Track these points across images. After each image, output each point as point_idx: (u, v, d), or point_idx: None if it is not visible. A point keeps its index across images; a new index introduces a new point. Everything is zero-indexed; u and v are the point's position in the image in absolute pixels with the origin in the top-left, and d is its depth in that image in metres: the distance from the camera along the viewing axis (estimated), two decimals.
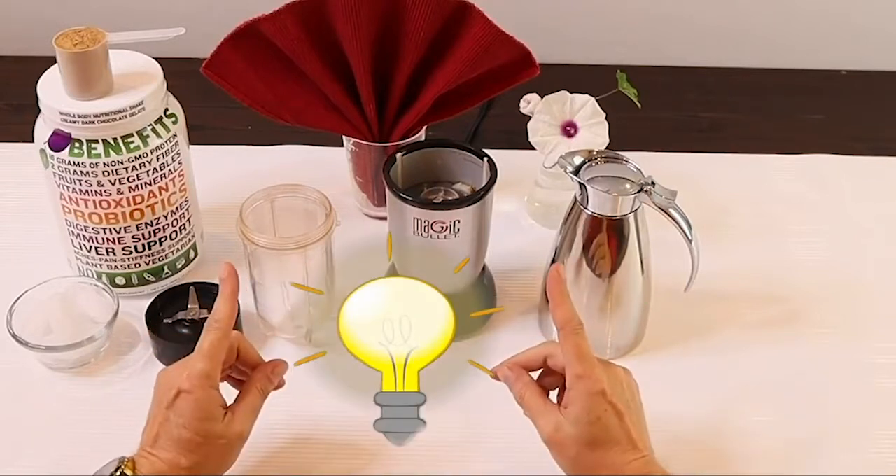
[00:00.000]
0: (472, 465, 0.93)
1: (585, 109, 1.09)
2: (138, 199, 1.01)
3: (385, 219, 1.02)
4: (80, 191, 0.99)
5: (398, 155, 1.00)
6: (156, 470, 0.81)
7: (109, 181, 0.99)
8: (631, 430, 0.82)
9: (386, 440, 0.87)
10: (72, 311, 1.01)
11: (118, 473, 0.81)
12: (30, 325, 1.00)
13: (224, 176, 1.19)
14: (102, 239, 1.03)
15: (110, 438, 0.95)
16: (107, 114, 0.96)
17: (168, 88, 1.01)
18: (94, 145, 0.97)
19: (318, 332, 1.04)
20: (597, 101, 1.09)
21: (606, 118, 1.09)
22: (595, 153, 0.97)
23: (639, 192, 0.94)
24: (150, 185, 1.01)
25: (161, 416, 0.83)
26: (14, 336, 0.98)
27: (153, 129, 0.99)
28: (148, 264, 1.06)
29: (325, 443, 0.96)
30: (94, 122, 0.96)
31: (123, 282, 1.06)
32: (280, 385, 0.90)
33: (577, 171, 0.95)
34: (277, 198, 1.01)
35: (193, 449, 0.82)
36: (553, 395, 0.86)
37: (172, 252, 1.07)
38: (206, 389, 0.83)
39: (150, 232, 1.04)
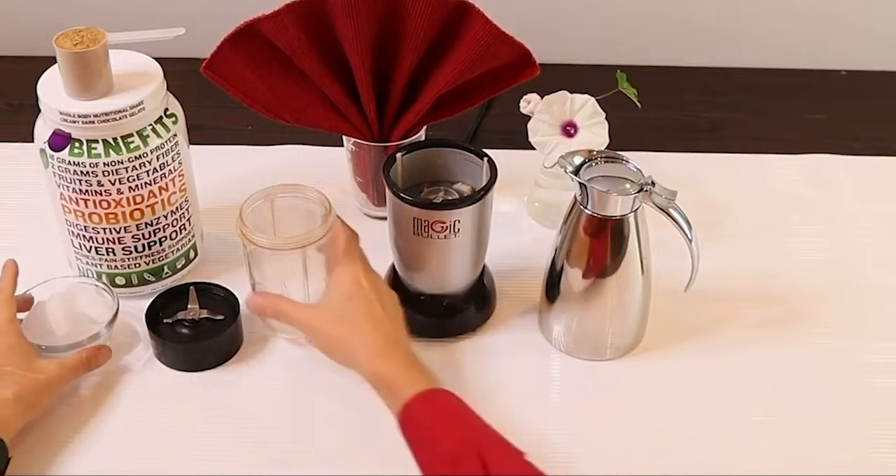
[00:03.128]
0: None
1: (585, 109, 1.09)
2: (138, 199, 1.01)
3: (385, 219, 1.02)
4: (80, 191, 0.99)
5: (398, 155, 1.00)
6: None
7: (109, 181, 0.98)
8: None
9: (386, 440, 0.87)
10: (72, 311, 1.01)
11: None
12: (30, 325, 1.00)
13: (224, 176, 1.19)
14: (102, 239, 1.03)
15: (109, 438, 0.95)
16: (107, 114, 0.96)
17: (168, 88, 1.01)
18: (94, 145, 0.97)
19: None
20: (597, 101, 1.09)
21: (606, 118, 1.09)
22: (595, 153, 0.97)
23: (639, 192, 0.94)
24: (150, 185, 1.01)
25: None
26: None
27: (153, 129, 0.99)
28: (148, 264, 1.06)
29: (324, 443, 0.95)
30: (94, 122, 0.96)
31: (123, 282, 1.06)
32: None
33: (577, 171, 0.95)
34: (277, 198, 1.01)
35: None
36: None
37: (172, 252, 1.07)
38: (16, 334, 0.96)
39: (150, 232, 1.04)
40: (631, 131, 1.14)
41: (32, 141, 1.00)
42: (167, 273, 1.08)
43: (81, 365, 0.97)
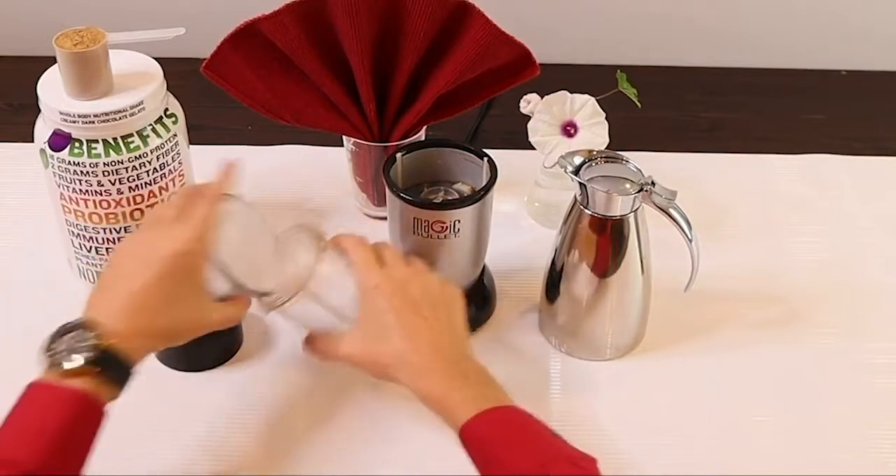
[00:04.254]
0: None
1: (585, 109, 1.09)
2: (138, 199, 1.01)
3: (385, 219, 1.02)
4: (80, 191, 0.99)
5: (398, 155, 1.00)
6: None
7: (109, 181, 0.99)
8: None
9: (385, 440, 0.87)
10: (275, 255, 0.91)
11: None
12: (227, 232, 0.87)
13: None
14: (102, 239, 1.03)
15: (108, 438, 0.95)
16: (107, 114, 0.96)
17: (168, 88, 1.01)
18: (94, 145, 0.97)
19: None
20: (597, 101, 1.09)
21: (606, 118, 1.09)
22: (595, 153, 0.97)
23: (639, 192, 0.94)
24: (150, 185, 1.01)
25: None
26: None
27: (153, 129, 0.99)
28: None
29: (325, 442, 0.96)
30: (94, 122, 0.96)
31: None
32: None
33: (577, 171, 0.95)
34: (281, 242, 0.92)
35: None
36: None
37: None
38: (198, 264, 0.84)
39: None
40: (631, 131, 1.14)
41: (32, 141, 1.00)
42: None
43: (237, 317, 0.90)
